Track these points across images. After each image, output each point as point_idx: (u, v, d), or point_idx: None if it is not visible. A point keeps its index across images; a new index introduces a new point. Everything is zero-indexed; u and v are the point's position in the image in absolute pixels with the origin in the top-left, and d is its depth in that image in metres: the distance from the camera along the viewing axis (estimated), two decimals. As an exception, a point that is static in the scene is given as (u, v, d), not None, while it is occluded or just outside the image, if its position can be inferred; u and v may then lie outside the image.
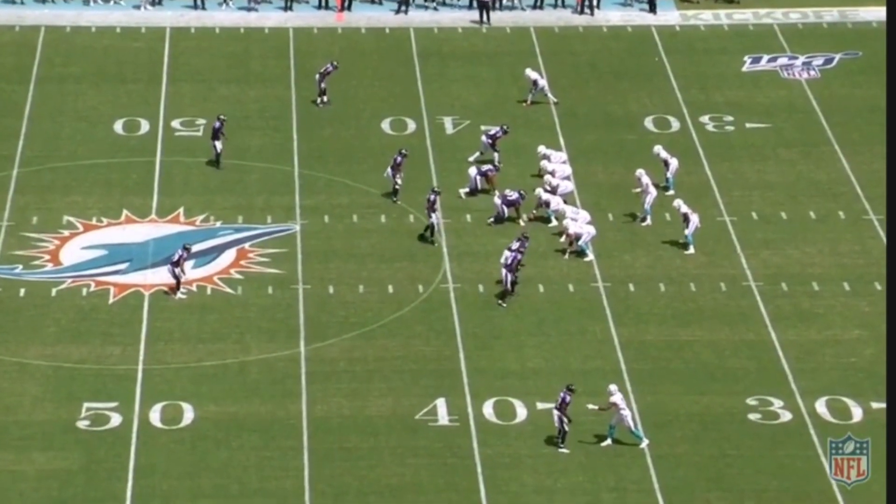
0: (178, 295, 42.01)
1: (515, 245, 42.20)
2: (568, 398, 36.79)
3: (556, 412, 36.96)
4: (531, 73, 51.15)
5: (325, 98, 51.01)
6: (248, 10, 57.66)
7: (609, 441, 36.70)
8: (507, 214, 45.19)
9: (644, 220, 45.50)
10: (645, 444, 36.62)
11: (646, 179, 45.64)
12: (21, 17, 56.41)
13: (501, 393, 38.98)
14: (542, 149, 47.40)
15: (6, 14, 56.54)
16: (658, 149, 47.28)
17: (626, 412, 36.70)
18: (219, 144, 47.59)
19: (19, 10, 56.75)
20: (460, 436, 37.59)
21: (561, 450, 36.67)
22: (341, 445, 37.10)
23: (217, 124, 47.68)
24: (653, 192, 45.59)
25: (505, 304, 41.64)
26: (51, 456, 36.63)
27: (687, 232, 44.30)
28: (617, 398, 36.56)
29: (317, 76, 51.26)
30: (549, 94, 50.91)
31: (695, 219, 44.25)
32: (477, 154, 48.03)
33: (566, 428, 36.86)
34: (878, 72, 53.45)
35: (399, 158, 46.23)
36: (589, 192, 46.95)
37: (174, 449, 37.00)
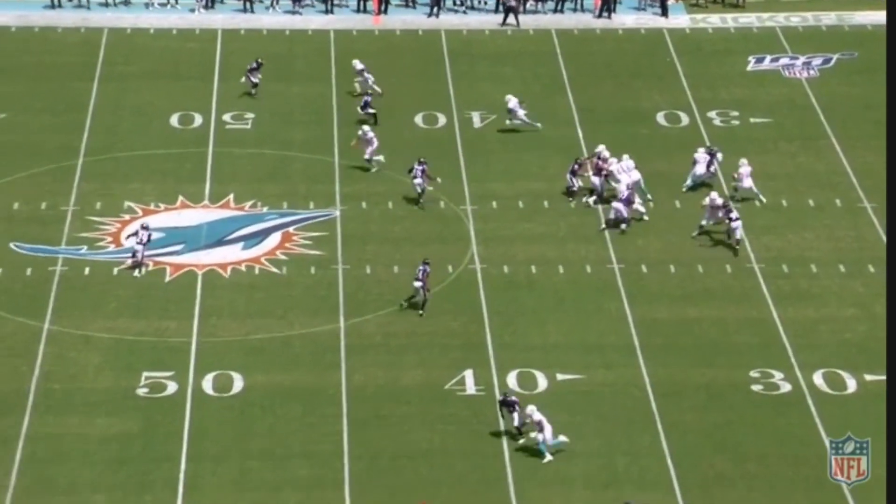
0: (136, 273, 41.98)
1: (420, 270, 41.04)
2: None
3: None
4: (510, 100, 49.51)
5: (254, 91, 51.20)
6: (293, 13, 57.71)
7: (549, 457, 35.40)
8: (626, 215, 44.53)
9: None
10: (555, 453, 35.52)
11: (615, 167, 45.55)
12: (86, 19, 56.56)
13: (524, 365, 39.03)
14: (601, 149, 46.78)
15: (73, 17, 56.69)
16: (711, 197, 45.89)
17: (547, 428, 35.51)
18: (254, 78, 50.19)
19: (85, 13, 56.90)
20: (486, 404, 37.64)
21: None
22: (376, 413, 37.19)
23: (254, 64, 50.34)
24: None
25: (422, 313, 40.95)
26: (112, 420, 36.83)
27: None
28: (537, 416, 35.49)
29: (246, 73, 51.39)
30: (528, 121, 49.49)
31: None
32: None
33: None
34: (873, 71, 53.30)
35: (422, 168, 45.43)
36: (605, 182, 46.94)
37: (224, 415, 37.17)
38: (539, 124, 49.42)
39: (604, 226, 44.65)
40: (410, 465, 35.51)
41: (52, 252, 43.11)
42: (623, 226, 44.43)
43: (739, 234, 43.51)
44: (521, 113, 49.17)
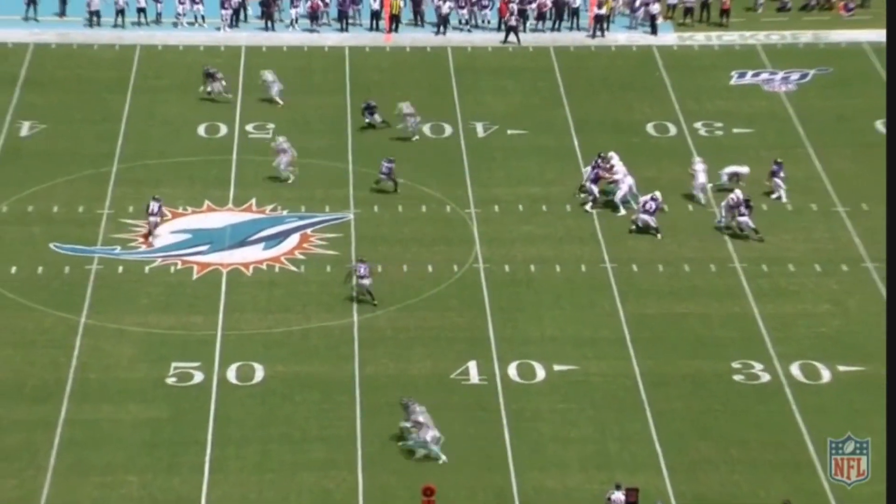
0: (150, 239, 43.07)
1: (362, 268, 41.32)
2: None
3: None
4: (405, 107, 49.26)
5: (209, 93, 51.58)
6: (311, 31, 57.71)
7: (441, 458, 34.65)
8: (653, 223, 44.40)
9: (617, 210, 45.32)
10: (443, 460, 34.76)
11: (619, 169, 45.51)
12: (121, 37, 56.60)
13: (523, 357, 39.00)
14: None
15: (109, 35, 56.73)
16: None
17: (429, 432, 34.76)
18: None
19: (119, 31, 56.94)
20: (489, 393, 37.65)
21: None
22: (387, 400, 37.13)
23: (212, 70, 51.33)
24: (624, 186, 45.34)
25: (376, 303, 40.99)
26: (144, 407, 36.84)
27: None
28: (421, 418, 35.00)
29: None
30: (413, 129, 49.29)
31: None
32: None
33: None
34: (846, 85, 53.34)
35: (389, 166, 46.08)
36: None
37: (247, 402, 37.16)
38: (416, 137, 49.03)
39: (634, 228, 44.59)
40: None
41: (88, 252, 43.12)
42: (657, 234, 44.25)
43: (748, 224, 43.64)
44: (413, 120, 48.73)
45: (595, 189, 45.81)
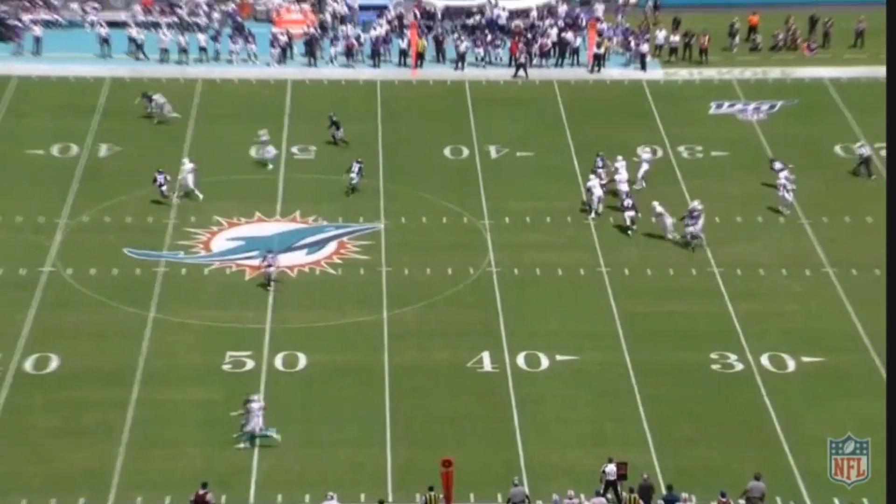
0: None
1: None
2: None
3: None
4: (263, 135, 48.93)
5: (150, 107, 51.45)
6: (347, 67, 57.69)
7: (271, 436, 34.38)
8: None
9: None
10: (277, 437, 34.40)
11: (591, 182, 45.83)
12: (185, 72, 56.65)
13: (530, 348, 38.92)
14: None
15: (175, 70, 56.76)
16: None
17: (256, 421, 34.38)
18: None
19: (184, 67, 56.97)
20: (500, 379, 37.59)
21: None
22: (412, 385, 37.14)
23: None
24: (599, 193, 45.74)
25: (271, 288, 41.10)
26: (202, 390, 36.90)
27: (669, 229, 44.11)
28: (255, 406, 34.49)
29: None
30: (265, 156, 48.70)
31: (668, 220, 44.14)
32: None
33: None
34: (810, 114, 53.12)
35: (360, 166, 46.81)
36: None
37: (291, 387, 37.17)
38: (270, 166, 48.41)
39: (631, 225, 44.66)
40: (438, 428, 35.48)
41: (156, 256, 43.13)
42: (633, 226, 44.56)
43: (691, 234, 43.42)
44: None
45: (600, 197, 45.68)
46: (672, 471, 33.83)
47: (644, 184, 47.46)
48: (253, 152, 49.15)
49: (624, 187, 46.15)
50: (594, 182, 46.20)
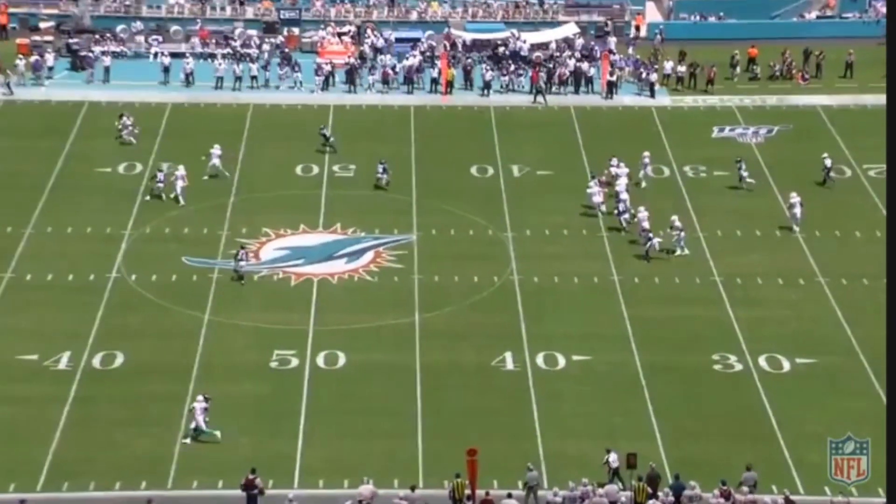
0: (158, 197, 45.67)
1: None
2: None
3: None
4: (215, 151, 48.43)
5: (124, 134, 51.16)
6: (384, 93, 57.80)
7: (213, 433, 33.85)
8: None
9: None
10: (217, 435, 33.93)
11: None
12: (237, 98, 56.79)
13: (548, 349, 38.87)
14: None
15: (228, 96, 56.86)
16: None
17: (200, 416, 33.99)
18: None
19: (237, 94, 57.11)
20: (521, 377, 37.57)
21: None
22: (441, 381, 37.16)
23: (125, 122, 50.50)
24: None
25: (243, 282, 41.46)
26: (252, 385, 36.97)
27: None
28: (198, 406, 34.07)
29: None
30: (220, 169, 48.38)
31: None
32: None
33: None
34: (803, 138, 52.94)
35: (384, 167, 47.77)
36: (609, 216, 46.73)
37: (332, 383, 37.21)
38: (217, 175, 48.15)
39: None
40: (465, 420, 35.46)
41: (211, 264, 43.22)
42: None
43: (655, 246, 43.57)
44: (217, 162, 47.96)
45: (600, 202, 46.14)
46: (677, 461, 33.72)
47: (646, 182, 47.66)
48: (209, 166, 48.57)
49: (624, 195, 45.88)
50: (594, 189, 46.22)
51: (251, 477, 31.93)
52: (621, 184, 46.88)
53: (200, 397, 34.66)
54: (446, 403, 36.15)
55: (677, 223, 44.14)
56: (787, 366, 38.35)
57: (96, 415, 35.31)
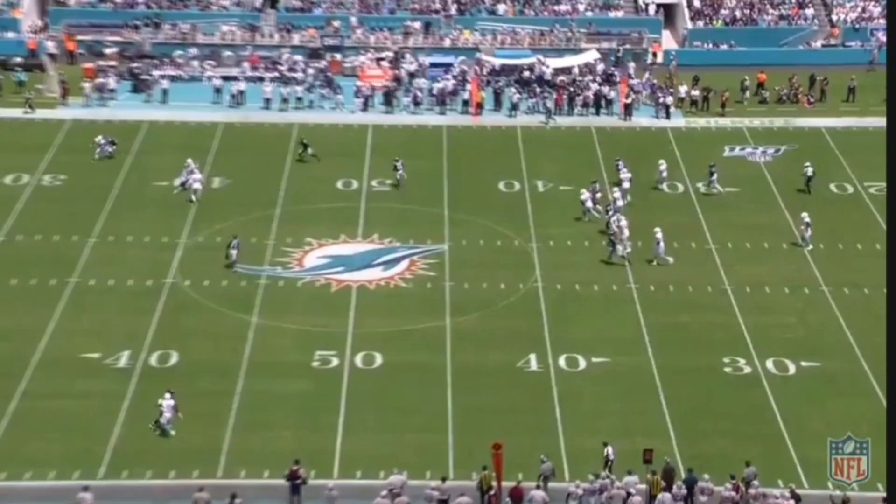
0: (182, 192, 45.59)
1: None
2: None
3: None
4: (190, 162, 48.58)
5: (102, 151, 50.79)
6: (418, 114, 57.70)
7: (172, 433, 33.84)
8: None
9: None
10: (173, 433, 33.88)
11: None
12: (285, 117, 56.88)
13: (570, 351, 38.67)
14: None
15: (276, 116, 56.89)
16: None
17: (169, 414, 33.92)
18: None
19: (284, 114, 57.10)
20: (544, 377, 37.40)
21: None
22: (470, 381, 37.02)
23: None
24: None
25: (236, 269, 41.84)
26: (295, 383, 36.95)
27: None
28: (166, 403, 33.89)
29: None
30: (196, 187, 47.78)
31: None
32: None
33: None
34: (809, 157, 52.38)
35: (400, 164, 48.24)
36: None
37: (369, 381, 37.14)
38: (195, 199, 47.36)
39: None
40: (492, 417, 35.31)
41: (258, 271, 43.26)
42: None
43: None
44: (193, 176, 47.81)
45: (591, 207, 46.35)
46: (690, 457, 33.47)
47: (628, 198, 47.35)
48: (177, 181, 48.42)
49: (620, 202, 46.35)
50: (586, 195, 46.51)
51: (294, 468, 31.93)
52: (622, 188, 46.97)
53: (168, 395, 34.24)
54: (474, 401, 36.02)
55: (658, 234, 43.67)
56: (792, 369, 38.02)
57: (152, 409, 35.33)
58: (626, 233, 44.02)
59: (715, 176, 49.06)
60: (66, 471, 32.75)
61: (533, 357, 38.32)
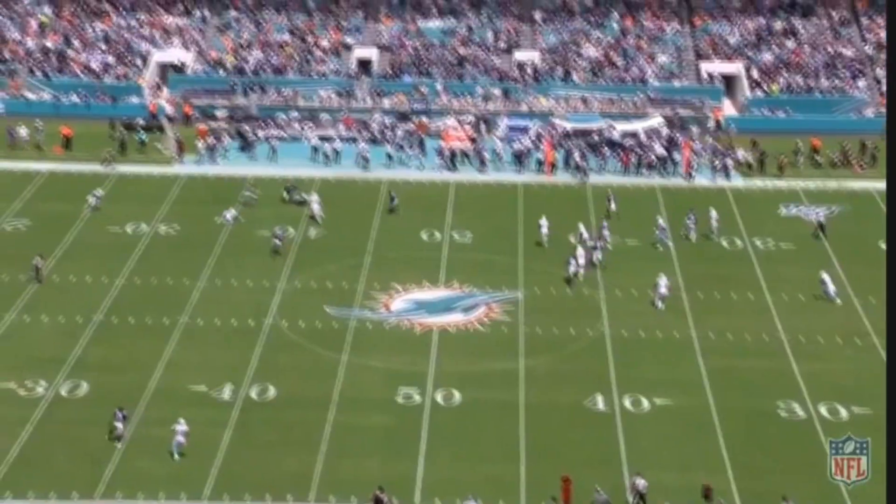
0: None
1: None
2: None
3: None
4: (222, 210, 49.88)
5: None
6: (497, 172, 57.93)
7: (177, 457, 34.19)
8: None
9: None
10: (178, 458, 34.13)
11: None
12: (376, 176, 57.27)
13: (634, 392, 38.57)
14: None
15: (367, 173, 57.41)
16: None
17: (179, 437, 34.43)
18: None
19: (368, 172, 57.56)
20: (609, 416, 37.30)
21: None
22: (541, 417, 37.03)
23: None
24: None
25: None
26: (381, 416, 37.27)
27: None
28: (179, 428, 34.33)
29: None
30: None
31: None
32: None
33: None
34: (859, 217, 51.86)
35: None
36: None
37: (449, 415, 37.23)
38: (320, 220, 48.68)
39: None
40: (561, 451, 35.34)
41: (348, 313, 43.72)
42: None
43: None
44: (315, 198, 49.18)
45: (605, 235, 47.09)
46: (747, 493, 33.12)
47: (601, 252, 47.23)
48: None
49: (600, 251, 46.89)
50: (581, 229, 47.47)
51: (380, 494, 32.21)
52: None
53: (182, 420, 34.66)
54: (545, 436, 36.04)
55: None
56: (844, 414, 37.46)
57: (252, 437, 35.97)
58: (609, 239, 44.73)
59: (692, 221, 48.96)
60: (174, 491, 33.34)
61: (599, 397, 38.27)
